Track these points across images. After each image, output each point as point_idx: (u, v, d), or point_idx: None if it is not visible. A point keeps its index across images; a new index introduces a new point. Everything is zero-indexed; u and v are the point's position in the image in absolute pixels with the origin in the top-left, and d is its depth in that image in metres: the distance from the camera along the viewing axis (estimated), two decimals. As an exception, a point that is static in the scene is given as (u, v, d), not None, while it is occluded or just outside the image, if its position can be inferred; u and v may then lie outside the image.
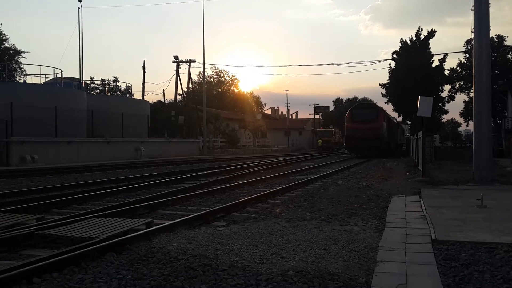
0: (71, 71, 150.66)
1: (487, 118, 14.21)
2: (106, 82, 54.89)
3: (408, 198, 10.68)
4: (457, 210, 8.58)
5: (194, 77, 65.40)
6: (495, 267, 4.88)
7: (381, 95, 55.29)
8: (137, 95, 49.12)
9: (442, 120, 62.38)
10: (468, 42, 50.04)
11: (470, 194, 10.56)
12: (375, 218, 8.21)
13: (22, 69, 48.29)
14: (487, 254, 5.43)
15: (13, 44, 49.35)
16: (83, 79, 41.35)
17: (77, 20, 39.90)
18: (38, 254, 5.63)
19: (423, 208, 8.96)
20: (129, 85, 47.76)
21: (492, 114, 17.71)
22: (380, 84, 54.66)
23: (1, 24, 66.16)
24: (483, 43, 14.07)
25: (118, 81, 54.04)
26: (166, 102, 53.18)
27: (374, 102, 60.31)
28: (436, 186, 12.90)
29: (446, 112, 54.41)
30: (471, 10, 14.40)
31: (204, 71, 44.68)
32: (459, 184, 13.27)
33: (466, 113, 56.08)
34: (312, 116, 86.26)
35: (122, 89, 48.94)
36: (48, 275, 4.67)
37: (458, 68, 53.77)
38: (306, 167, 23.29)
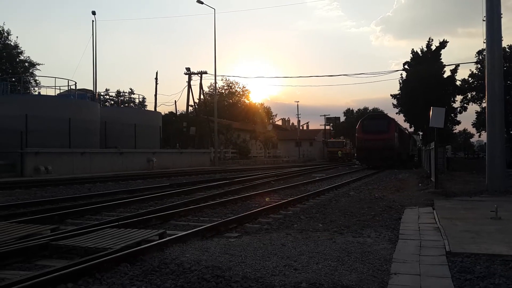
0: (85, 83, 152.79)
1: (500, 129, 14.09)
2: (122, 94, 55.59)
3: (421, 210, 10.59)
4: (471, 221, 8.49)
5: (206, 88, 65.79)
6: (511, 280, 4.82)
7: (392, 106, 55.06)
8: (150, 106, 49.74)
9: (454, 131, 61.81)
10: (480, 52, 49.67)
11: (483, 206, 10.45)
12: (388, 230, 8.16)
13: (37, 81, 49.12)
14: (503, 266, 5.36)
15: (28, 57, 50.25)
16: (97, 91, 41.88)
17: (91, 33, 40.48)
18: (52, 264, 5.68)
19: (437, 219, 8.88)
20: (142, 96, 48.29)
21: (505, 125, 17.54)
22: (391, 95, 54.47)
23: (17, 37, 67.40)
24: (495, 53, 14.01)
25: (134, 93, 54.66)
26: (178, 113, 53.64)
27: (385, 112, 60.11)
28: (449, 198, 12.78)
29: (458, 122, 53.97)
30: (483, 20, 14.35)
31: (215, 83, 44.95)
32: (473, 195, 13.12)
33: (479, 124, 55.44)
34: (323, 127, 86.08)
35: (137, 101, 49.57)
36: (63, 285, 4.72)
37: (470, 79, 53.31)
38: (317, 178, 23.21)
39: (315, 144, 79.14)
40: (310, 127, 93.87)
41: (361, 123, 39.06)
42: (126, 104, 51.41)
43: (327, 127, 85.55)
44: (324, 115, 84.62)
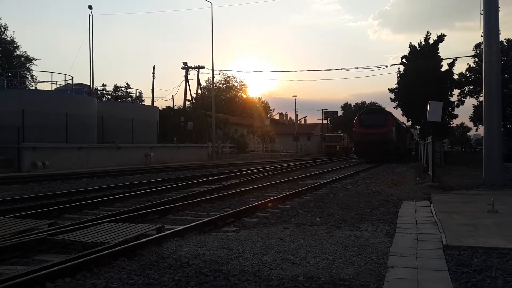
0: (82, 78, 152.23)
1: (497, 122, 14.10)
2: (119, 89, 55.50)
3: (418, 204, 10.62)
4: (468, 215, 8.52)
5: (203, 83, 65.86)
6: (508, 273, 4.84)
7: (389, 100, 54.90)
8: (147, 101, 49.63)
9: (452, 125, 61.92)
10: (477, 46, 49.67)
11: (480, 199, 10.48)
12: (385, 224, 8.18)
13: (33, 76, 49.00)
14: (500, 259, 5.38)
15: (25, 52, 50.10)
16: (94, 86, 41.75)
17: (88, 27, 40.25)
18: (50, 259, 5.69)
19: (434, 213, 8.91)
20: (139, 91, 48.23)
21: (502, 119, 17.57)
22: (388, 89, 54.30)
23: (14, 32, 67.07)
24: (492, 47, 13.99)
25: (130, 88, 54.50)
26: (175, 108, 53.57)
27: (383, 107, 60.15)
28: (447, 191, 12.82)
29: (456, 116, 53.95)
30: (481, 14, 14.32)
31: (212, 77, 44.98)
32: (470, 189, 13.17)
33: (476, 118, 55.53)
34: (320, 121, 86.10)
35: (134, 95, 49.49)
36: (61, 280, 4.72)
37: (467, 73, 53.30)
38: (315, 172, 23.24)
39: (312, 139, 79.17)
40: (308, 122, 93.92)
41: (358, 117, 39.05)
42: (123, 99, 51.33)
43: (325, 122, 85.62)
44: (322, 110, 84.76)
